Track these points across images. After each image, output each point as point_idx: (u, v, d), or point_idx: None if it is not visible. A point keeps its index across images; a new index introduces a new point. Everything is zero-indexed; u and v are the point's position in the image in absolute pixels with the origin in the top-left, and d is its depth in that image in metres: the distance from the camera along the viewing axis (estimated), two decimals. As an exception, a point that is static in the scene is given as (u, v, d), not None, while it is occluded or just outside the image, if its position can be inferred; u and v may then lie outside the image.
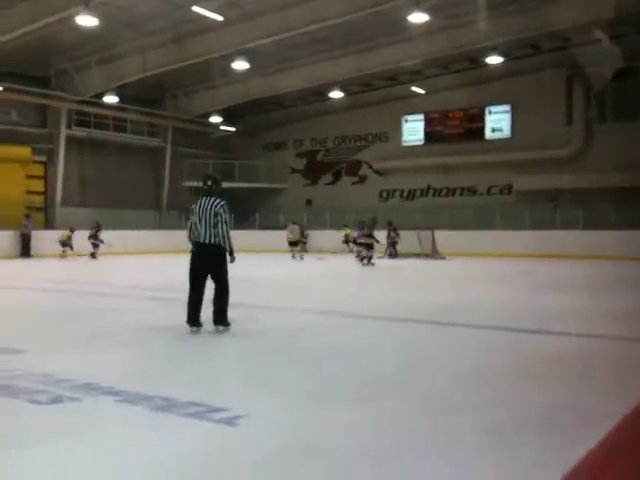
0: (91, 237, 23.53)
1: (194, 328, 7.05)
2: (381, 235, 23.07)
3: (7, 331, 7.39)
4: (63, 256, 22.98)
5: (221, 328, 7.07)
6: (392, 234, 23.44)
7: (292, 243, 22.91)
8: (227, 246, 7.02)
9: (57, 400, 4.33)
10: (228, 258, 7.16)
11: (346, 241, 25.92)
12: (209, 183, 7.21)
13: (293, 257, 22.25)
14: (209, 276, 7.09)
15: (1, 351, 6.07)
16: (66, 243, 23.37)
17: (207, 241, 6.95)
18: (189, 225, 7.17)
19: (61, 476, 3.10)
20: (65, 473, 3.14)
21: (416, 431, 3.79)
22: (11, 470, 3.17)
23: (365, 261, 19.18)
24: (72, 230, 23.56)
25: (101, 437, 3.66)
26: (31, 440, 3.60)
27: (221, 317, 7.08)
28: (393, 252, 23.39)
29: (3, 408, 4.23)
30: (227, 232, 7.02)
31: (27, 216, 24.72)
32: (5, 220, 23.47)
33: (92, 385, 4.68)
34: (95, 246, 23.42)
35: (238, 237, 28.27)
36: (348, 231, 25.59)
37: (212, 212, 6.95)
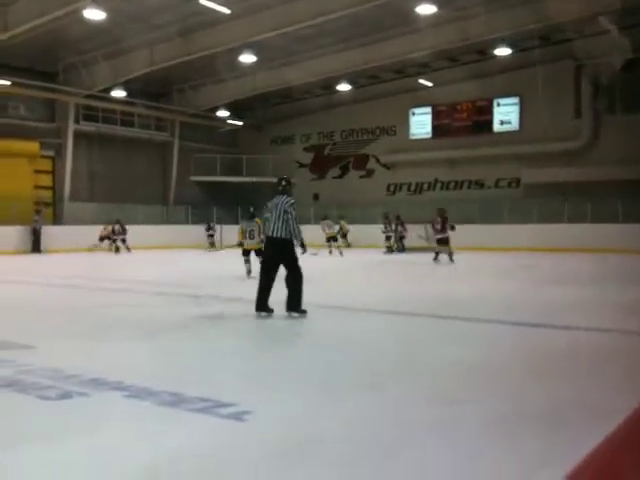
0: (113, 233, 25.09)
1: (263, 313, 7.53)
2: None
3: (18, 326, 7.43)
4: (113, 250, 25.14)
5: (295, 314, 7.45)
6: (400, 228, 23.43)
7: (331, 238, 22.62)
8: (297, 240, 7.71)
9: (66, 395, 4.35)
10: (298, 250, 7.81)
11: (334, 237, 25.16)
12: (283, 184, 7.86)
13: (330, 253, 21.68)
14: (280, 266, 7.69)
15: (11, 346, 6.10)
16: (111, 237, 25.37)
17: (276, 234, 7.59)
18: (264, 221, 8.01)
19: (70, 471, 3.12)
20: (74, 468, 3.15)
21: (421, 423, 3.79)
22: (21, 466, 3.20)
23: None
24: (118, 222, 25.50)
25: (110, 432, 3.67)
26: (40, 436, 3.62)
27: (295, 304, 7.49)
28: (400, 246, 23.37)
29: (12, 403, 4.25)
30: (296, 227, 7.66)
31: (37, 211, 24.83)
32: (14, 215, 23.56)
33: (100, 380, 4.70)
34: (114, 241, 25.13)
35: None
36: (343, 224, 25.47)
37: (282, 209, 7.58)
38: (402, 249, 23.24)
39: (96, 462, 3.23)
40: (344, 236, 25.83)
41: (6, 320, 7.92)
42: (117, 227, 25.17)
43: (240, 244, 13.04)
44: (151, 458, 3.26)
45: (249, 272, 12.68)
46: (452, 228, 17.51)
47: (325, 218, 23.89)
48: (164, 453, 3.33)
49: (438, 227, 17.57)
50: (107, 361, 5.47)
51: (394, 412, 4.05)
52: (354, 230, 26.81)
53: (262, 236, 7.75)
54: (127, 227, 25.29)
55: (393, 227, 23.61)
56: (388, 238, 23.52)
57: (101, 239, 25.22)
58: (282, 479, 3.06)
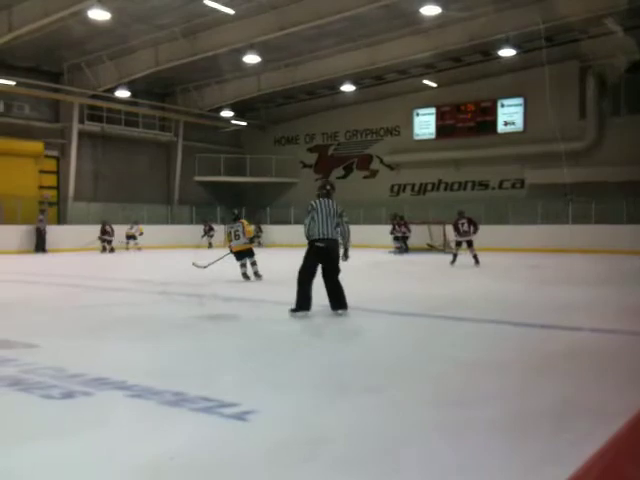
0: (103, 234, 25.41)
1: (305, 313, 7.73)
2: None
3: (21, 325, 7.44)
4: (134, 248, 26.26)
5: (340, 312, 7.73)
6: (403, 229, 23.42)
7: None
8: (345, 244, 8.03)
9: (70, 395, 4.35)
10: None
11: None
12: (328, 188, 8.13)
13: None
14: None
15: (14, 345, 6.11)
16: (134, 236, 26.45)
17: (330, 236, 7.78)
18: (307, 222, 7.84)
19: (73, 471, 3.13)
20: (77, 467, 3.16)
21: (424, 423, 3.78)
22: (23, 465, 3.20)
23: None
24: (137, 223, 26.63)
25: (113, 432, 3.68)
26: (43, 435, 3.63)
27: (343, 302, 7.79)
28: (404, 247, 23.36)
29: (16, 403, 4.26)
30: (349, 232, 8.04)
31: (42, 211, 24.89)
32: (18, 215, 23.63)
33: (104, 380, 4.70)
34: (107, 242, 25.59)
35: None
36: None
37: (336, 212, 7.87)
38: (405, 249, 23.22)
39: (99, 461, 3.23)
40: None
41: (10, 319, 7.94)
42: (107, 228, 25.26)
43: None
44: (154, 457, 3.26)
45: (246, 276, 12.60)
46: (475, 230, 17.30)
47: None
48: (167, 452, 3.33)
49: (466, 229, 17.29)
50: (110, 360, 5.48)
51: (398, 412, 4.04)
52: (357, 230, 26.74)
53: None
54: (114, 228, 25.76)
55: (402, 228, 23.58)
56: (397, 239, 23.50)
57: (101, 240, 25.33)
58: (285, 479, 3.05)
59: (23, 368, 5.08)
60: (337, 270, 7.86)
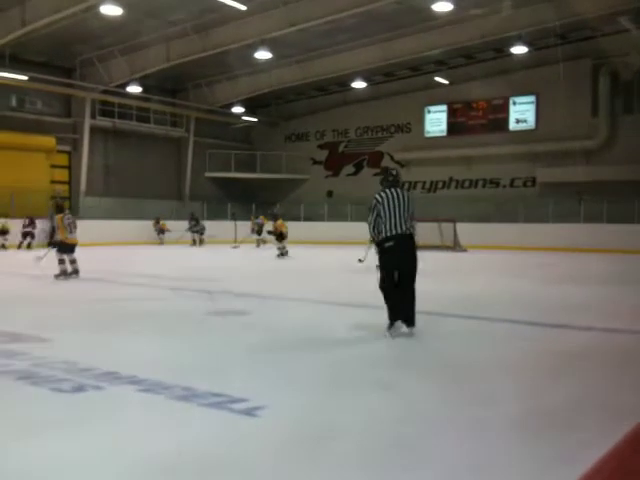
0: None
1: (403, 328, 6.43)
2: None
3: (33, 319, 7.48)
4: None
5: (406, 329, 6.39)
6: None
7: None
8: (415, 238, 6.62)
9: (81, 389, 4.37)
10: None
11: (258, 231, 25.59)
12: (394, 173, 6.77)
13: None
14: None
15: (26, 339, 6.14)
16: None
17: (402, 231, 6.41)
18: (371, 220, 6.50)
19: (82, 464, 3.13)
20: (86, 461, 3.16)
21: (435, 421, 3.77)
22: (34, 458, 3.21)
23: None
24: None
25: (122, 426, 3.69)
26: (53, 428, 3.64)
27: (410, 317, 6.42)
28: None
29: (27, 396, 4.28)
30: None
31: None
32: (30, 209, 23.69)
33: (115, 374, 4.72)
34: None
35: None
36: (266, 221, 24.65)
37: (409, 203, 6.49)
38: None
39: (108, 455, 3.24)
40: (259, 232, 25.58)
41: (21, 313, 7.98)
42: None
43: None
44: (163, 452, 3.26)
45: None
46: None
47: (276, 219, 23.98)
48: (176, 447, 3.33)
49: None
50: (121, 355, 5.50)
51: (408, 410, 4.03)
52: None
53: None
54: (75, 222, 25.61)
55: None
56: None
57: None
58: (293, 475, 3.05)
59: (35, 362, 5.11)
60: (412, 275, 6.46)
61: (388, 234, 6.38)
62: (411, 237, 6.49)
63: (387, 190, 6.52)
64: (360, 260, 15.46)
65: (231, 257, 16.75)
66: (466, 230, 22.97)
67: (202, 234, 27.67)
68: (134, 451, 3.28)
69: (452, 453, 3.29)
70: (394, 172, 6.80)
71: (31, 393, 4.32)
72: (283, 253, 18.72)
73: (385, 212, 6.40)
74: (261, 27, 22.04)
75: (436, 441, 3.47)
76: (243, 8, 20.73)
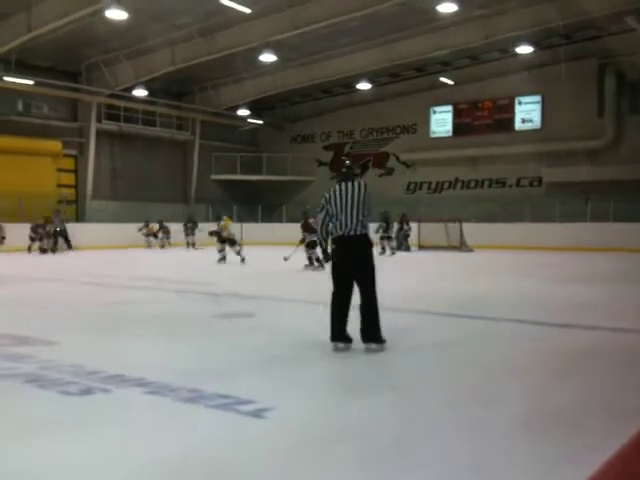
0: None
1: (340, 344, 5.69)
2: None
3: (40, 322, 7.52)
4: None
5: (373, 346, 5.60)
6: (405, 227, 23.11)
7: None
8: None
9: (88, 391, 4.39)
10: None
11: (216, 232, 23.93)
12: (348, 163, 6.12)
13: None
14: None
15: (34, 342, 6.18)
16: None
17: (354, 232, 5.68)
18: (322, 217, 5.85)
19: (90, 466, 3.15)
20: (94, 464, 3.18)
21: (441, 422, 3.77)
22: (40, 460, 3.23)
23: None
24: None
25: (130, 428, 3.71)
26: (61, 431, 3.66)
27: (372, 331, 5.62)
28: (406, 245, 22.91)
29: (34, 399, 4.31)
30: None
31: (56, 211, 24.41)
32: (37, 213, 23.76)
33: (122, 377, 4.74)
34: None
35: (265, 230, 28.46)
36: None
37: (361, 198, 5.71)
38: (407, 248, 22.91)
39: (116, 457, 3.26)
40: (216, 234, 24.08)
41: (28, 316, 8.01)
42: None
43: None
44: (170, 454, 3.28)
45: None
46: None
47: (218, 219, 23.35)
48: (183, 449, 3.35)
49: None
50: (128, 358, 5.52)
51: (415, 412, 4.04)
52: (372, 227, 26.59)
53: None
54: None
55: (395, 227, 22.51)
56: (389, 238, 21.24)
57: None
58: (300, 477, 3.06)
59: (42, 365, 5.14)
60: (367, 280, 5.71)
61: (335, 236, 5.79)
62: (362, 239, 5.72)
63: (337, 185, 5.85)
64: (285, 258, 15.46)
65: (230, 259, 16.79)
66: (472, 230, 22.93)
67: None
68: (141, 454, 3.30)
69: (455, 453, 3.29)
70: (347, 163, 6.15)
71: (39, 396, 4.34)
72: (224, 257, 17.14)
73: (333, 211, 5.74)
74: (266, 30, 22.08)
75: (439, 442, 3.48)
76: (248, 11, 20.78)
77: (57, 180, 27.36)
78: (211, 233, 18.38)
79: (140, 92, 27.30)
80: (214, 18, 22.07)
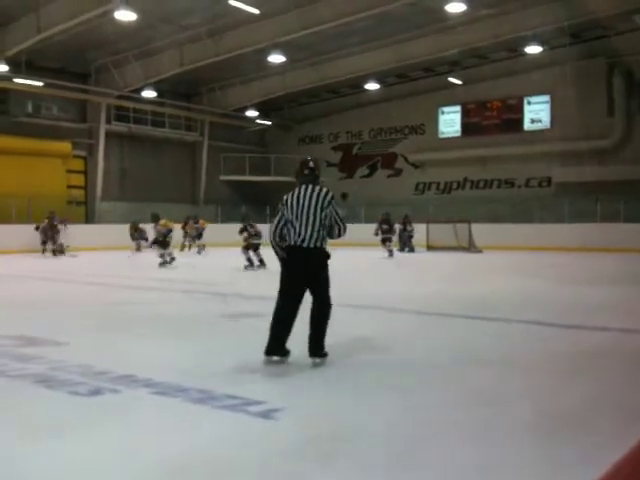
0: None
1: (276, 358, 5.25)
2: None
3: (49, 323, 7.55)
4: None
5: (317, 360, 5.25)
6: (409, 227, 23.02)
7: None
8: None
9: (97, 392, 4.41)
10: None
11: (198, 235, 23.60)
12: (311, 165, 5.46)
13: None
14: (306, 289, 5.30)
15: (43, 343, 6.21)
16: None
17: (309, 244, 5.16)
18: (277, 222, 5.35)
19: (99, 466, 3.16)
20: (103, 464, 3.20)
21: (450, 423, 3.76)
22: (52, 461, 3.24)
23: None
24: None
25: (138, 429, 3.72)
26: (70, 431, 3.68)
27: (319, 345, 5.27)
28: (410, 246, 22.83)
29: (44, 399, 4.32)
30: (343, 230, 5.37)
31: (52, 213, 23.10)
32: (47, 213, 23.85)
33: (131, 377, 4.76)
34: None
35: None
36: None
37: (319, 206, 5.21)
38: (411, 249, 22.81)
39: (124, 457, 3.27)
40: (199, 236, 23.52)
41: (37, 317, 8.05)
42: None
43: None
44: (179, 454, 3.29)
45: None
46: None
47: (187, 218, 23.81)
48: (192, 449, 3.36)
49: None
50: (137, 358, 5.53)
51: (423, 413, 4.03)
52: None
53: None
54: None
55: (398, 228, 22.35)
56: (390, 240, 20.45)
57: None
58: (309, 477, 3.06)
59: (52, 365, 5.16)
60: (321, 292, 5.27)
61: (287, 244, 5.26)
62: (315, 252, 5.16)
63: (297, 188, 5.34)
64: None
65: (233, 260, 16.81)
66: (481, 231, 22.83)
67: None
68: (150, 454, 3.31)
69: (463, 454, 3.28)
70: (311, 164, 5.47)
71: (48, 396, 4.36)
72: (166, 261, 16.07)
73: (289, 216, 5.23)
74: (274, 31, 22.10)
75: (447, 443, 3.47)
76: (256, 12, 20.81)
77: (67, 181, 27.50)
78: (155, 242, 16.70)
79: (149, 93, 27.38)
80: (222, 19, 22.12)
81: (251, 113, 31.97)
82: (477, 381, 4.79)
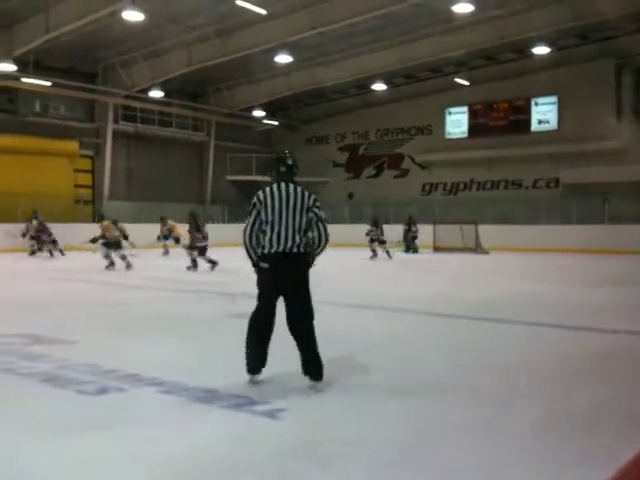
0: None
1: (260, 377, 4.68)
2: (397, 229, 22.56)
3: (55, 322, 7.56)
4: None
5: (312, 383, 4.56)
6: (413, 228, 22.96)
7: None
8: (318, 251, 4.72)
9: (104, 391, 4.42)
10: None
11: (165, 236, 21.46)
12: (289, 162, 4.74)
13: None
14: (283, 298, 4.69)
15: (50, 341, 6.23)
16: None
17: (291, 249, 4.54)
18: (252, 223, 4.62)
19: (106, 464, 3.17)
20: (109, 461, 3.20)
21: (456, 426, 3.75)
22: (56, 455, 3.25)
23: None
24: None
25: (144, 428, 3.73)
26: (77, 430, 3.69)
27: (315, 363, 4.61)
28: (414, 247, 22.75)
29: (52, 398, 4.34)
30: (327, 238, 4.71)
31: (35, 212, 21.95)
32: (55, 213, 23.89)
33: (137, 376, 4.77)
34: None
35: None
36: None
37: (302, 207, 4.57)
38: (415, 250, 22.74)
39: (130, 456, 3.28)
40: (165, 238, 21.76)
41: (45, 316, 8.08)
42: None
43: None
44: (184, 452, 3.29)
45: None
46: None
47: (163, 218, 21.74)
48: (196, 448, 3.36)
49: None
50: (143, 357, 5.54)
51: (429, 415, 4.02)
52: (389, 230, 26.13)
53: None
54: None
55: (403, 228, 22.73)
56: (381, 242, 19.78)
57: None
58: (313, 478, 3.05)
59: (58, 364, 5.18)
60: (304, 308, 4.66)
61: (266, 250, 4.55)
62: (299, 257, 4.55)
63: (274, 185, 4.65)
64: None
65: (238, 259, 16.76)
66: (488, 232, 22.75)
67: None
68: (154, 451, 3.31)
69: (469, 458, 3.27)
70: (289, 161, 4.75)
71: (56, 395, 4.37)
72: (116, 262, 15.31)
73: (267, 217, 4.55)
74: (281, 31, 22.10)
75: (452, 444, 3.46)
76: (264, 12, 20.82)
77: (74, 180, 27.57)
78: (93, 240, 15.97)
79: (156, 93, 27.44)
80: (230, 19, 22.13)
81: (258, 113, 32.00)
82: (484, 382, 4.77)
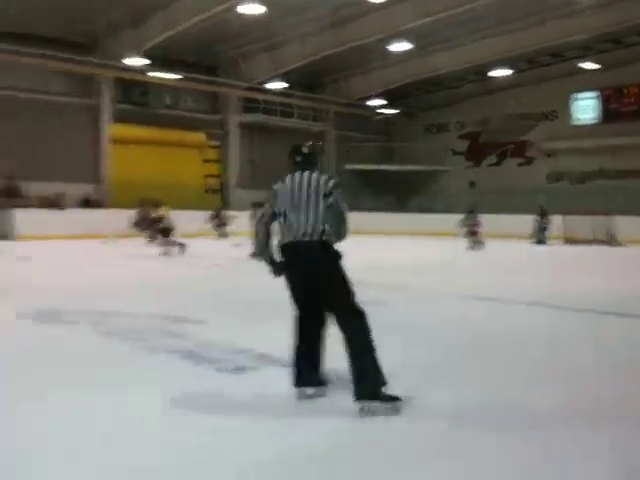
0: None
1: (308, 390, 4.05)
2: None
3: (190, 304, 8.01)
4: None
5: (368, 406, 3.72)
6: (544, 219, 21.90)
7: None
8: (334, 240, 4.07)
9: (240, 369, 4.72)
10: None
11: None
12: (305, 151, 4.36)
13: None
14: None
15: (184, 320, 6.68)
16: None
17: (310, 238, 3.99)
18: (266, 214, 4.27)
19: (245, 442, 3.43)
20: (249, 438, 3.46)
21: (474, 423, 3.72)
22: (205, 434, 3.50)
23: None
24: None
25: (279, 406, 3.93)
26: (221, 407, 3.97)
27: (365, 383, 3.78)
28: (543, 239, 21.77)
29: (196, 375, 4.65)
30: (345, 228, 4.22)
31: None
32: (186, 201, 24.75)
33: (267, 356, 5.02)
34: None
35: (394, 220, 27.30)
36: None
37: (317, 193, 4.07)
38: (543, 241, 21.66)
39: (267, 432, 3.54)
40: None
41: (179, 297, 8.63)
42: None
43: None
44: (319, 430, 3.52)
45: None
46: None
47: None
48: (328, 427, 3.58)
49: None
50: (268, 338, 5.58)
51: (434, 417, 3.84)
52: (509, 220, 25.03)
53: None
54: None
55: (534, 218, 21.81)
56: (474, 233, 19.45)
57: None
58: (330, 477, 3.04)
59: (196, 342, 5.57)
60: (338, 300, 4.00)
61: (282, 243, 4.12)
62: (319, 246, 3.98)
63: (289, 176, 4.25)
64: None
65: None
66: (622, 224, 21.11)
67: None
68: (290, 430, 3.57)
69: (485, 457, 3.23)
70: (305, 149, 4.37)
71: (196, 372, 4.70)
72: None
73: (280, 208, 4.14)
74: (396, 19, 22.06)
75: (469, 443, 3.41)
76: (380, 0, 20.74)
77: (204, 170, 28.76)
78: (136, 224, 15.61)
79: (277, 84, 28.06)
80: (346, 9, 22.28)
81: (377, 102, 32.01)
82: (492, 385, 4.65)
